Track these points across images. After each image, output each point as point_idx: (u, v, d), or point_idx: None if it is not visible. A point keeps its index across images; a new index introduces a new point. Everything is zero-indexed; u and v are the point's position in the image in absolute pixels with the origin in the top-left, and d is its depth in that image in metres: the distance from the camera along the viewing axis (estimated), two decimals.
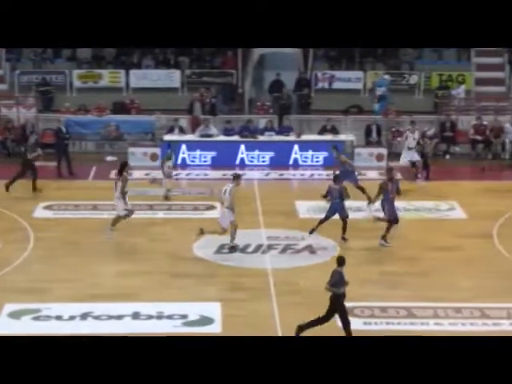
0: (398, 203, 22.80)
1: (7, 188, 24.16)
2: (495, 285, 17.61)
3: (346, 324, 14.66)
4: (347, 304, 16.42)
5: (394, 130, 29.10)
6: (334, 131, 28.60)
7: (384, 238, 19.80)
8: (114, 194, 20.41)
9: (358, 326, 15.70)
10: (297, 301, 16.77)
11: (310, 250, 19.72)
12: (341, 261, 14.93)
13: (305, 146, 27.80)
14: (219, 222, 19.56)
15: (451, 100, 30.41)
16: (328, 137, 28.30)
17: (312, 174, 26.67)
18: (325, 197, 20.71)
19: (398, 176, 23.49)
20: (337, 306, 14.65)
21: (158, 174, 24.42)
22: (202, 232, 19.53)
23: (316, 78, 31.72)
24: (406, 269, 18.53)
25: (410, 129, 26.04)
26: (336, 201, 20.17)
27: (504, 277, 18.06)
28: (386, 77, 30.92)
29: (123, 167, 20.57)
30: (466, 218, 21.88)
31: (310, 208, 22.74)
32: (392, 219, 19.80)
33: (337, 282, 14.65)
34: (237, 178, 19.80)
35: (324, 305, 16.41)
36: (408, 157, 25.62)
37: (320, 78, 31.73)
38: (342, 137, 28.30)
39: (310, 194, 23.98)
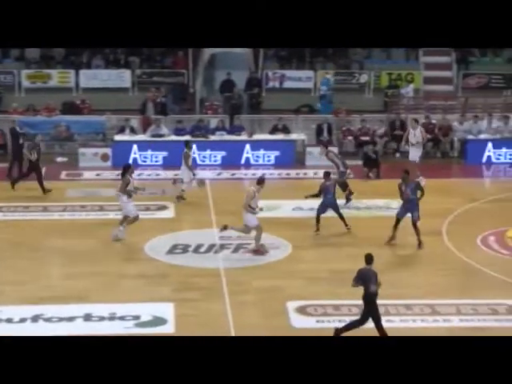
0: (380, 202, 23.02)
1: (13, 186, 24.14)
2: (445, 282, 17.81)
3: (379, 323, 14.59)
4: (299, 302, 16.57)
5: (344, 129, 29.30)
6: (286, 130, 28.70)
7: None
8: (119, 199, 20.39)
9: (310, 324, 15.79)
10: (249, 300, 16.79)
11: (263, 249, 19.75)
12: (369, 259, 14.90)
13: (256, 145, 27.87)
14: (246, 223, 19.35)
15: (400, 99, 30.71)
16: (279, 136, 28.40)
17: (264, 174, 26.68)
18: (317, 195, 20.81)
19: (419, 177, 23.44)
20: (370, 306, 14.59)
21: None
22: (225, 228, 19.36)
23: (267, 78, 31.82)
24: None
25: (412, 125, 26.18)
26: (328, 196, 20.45)
27: (453, 273, 18.28)
28: (329, 76, 31.12)
29: (126, 170, 20.43)
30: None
31: (263, 207, 22.75)
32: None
33: (368, 281, 14.62)
34: (261, 181, 19.68)
35: (277, 303, 16.53)
36: (415, 153, 25.70)
37: (271, 77, 31.83)
38: (293, 136, 28.41)
39: (261, 193, 24.00)
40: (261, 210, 19.39)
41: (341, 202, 21.89)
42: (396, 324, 15.84)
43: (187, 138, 27.85)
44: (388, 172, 25.51)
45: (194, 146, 27.61)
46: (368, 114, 29.69)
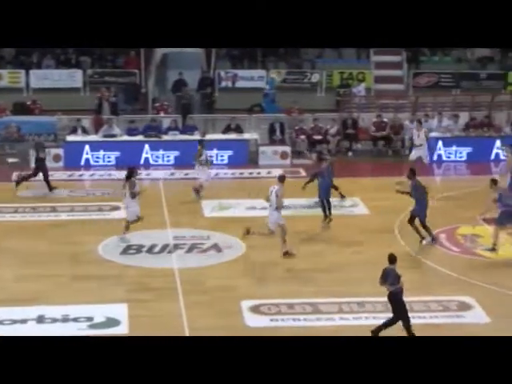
0: (302, 201, 23.14)
1: (17, 184, 24.06)
2: None
3: (407, 322, 14.66)
4: (253, 302, 16.61)
5: (297, 128, 29.40)
6: (239, 130, 28.73)
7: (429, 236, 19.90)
8: (123, 200, 20.24)
9: (264, 323, 15.84)
10: (204, 300, 16.79)
11: (217, 248, 19.77)
12: (392, 258, 15.03)
13: (209, 145, 27.80)
14: (268, 224, 19.18)
15: (352, 98, 30.90)
16: (232, 136, 28.42)
17: (217, 173, 26.73)
18: (312, 180, 20.87)
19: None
20: (396, 304, 14.68)
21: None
22: (248, 232, 19.22)
23: (219, 77, 31.82)
24: (312, 265, 18.74)
25: (416, 126, 26.55)
26: (326, 179, 21.25)
27: (405, 271, 18.38)
28: (274, 76, 31.27)
29: (131, 172, 20.26)
30: (368, 214, 22.27)
31: (216, 207, 22.81)
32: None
33: (393, 280, 14.70)
34: (282, 178, 19.54)
35: (231, 303, 16.55)
36: (417, 154, 25.99)
37: (223, 77, 31.86)
38: (246, 135, 28.45)
39: (215, 192, 24.04)
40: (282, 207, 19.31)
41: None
42: (349, 322, 15.96)
43: (139, 137, 27.73)
44: (341, 171, 25.61)
45: (147, 146, 27.56)
46: (320, 113, 29.83)
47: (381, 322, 15.89)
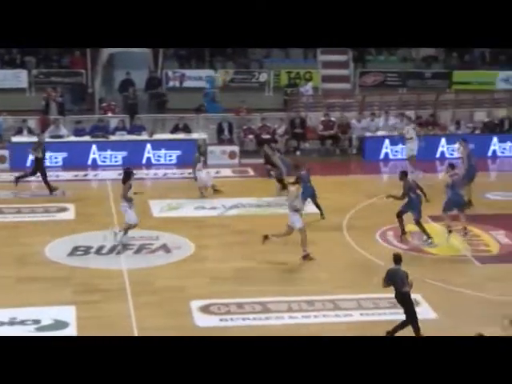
0: (250, 200, 23.20)
1: (16, 182, 24.07)
2: (346, 277, 18.09)
3: (414, 322, 14.67)
4: (203, 302, 16.61)
5: (245, 127, 29.44)
6: (187, 130, 28.67)
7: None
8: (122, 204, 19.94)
9: (214, 322, 15.84)
10: (153, 300, 16.74)
11: (165, 249, 19.71)
12: (397, 259, 15.08)
13: (157, 144, 27.77)
14: (289, 225, 18.99)
15: (300, 97, 31.03)
16: (180, 135, 28.36)
17: (165, 174, 26.65)
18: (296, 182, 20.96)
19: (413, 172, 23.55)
20: (406, 306, 14.75)
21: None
22: (266, 238, 19.06)
23: (167, 77, 31.72)
24: (262, 264, 18.78)
25: (404, 121, 27.49)
26: (308, 184, 21.11)
27: (354, 269, 18.58)
28: (215, 75, 31.30)
29: (128, 175, 19.98)
30: (317, 213, 22.31)
31: (164, 207, 22.75)
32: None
33: (404, 281, 14.76)
34: (298, 180, 19.59)
35: (181, 303, 16.53)
36: (411, 148, 26.67)
37: (171, 76, 31.75)
38: (194, 135, 28.41)
39: (163, 193, 23.97)
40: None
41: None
42: (298, 320, 16.03)
43: (87, 138, 27.52)
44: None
45: (94, 147, 27.36)
46: (268, 113, 29.91)
47: (330, 319, 16.03)
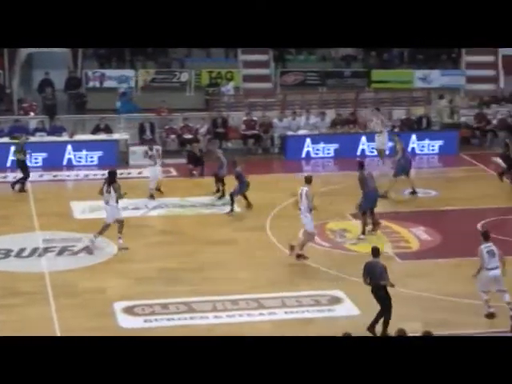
0: (174, 200, 23.15)
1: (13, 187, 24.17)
2: (270, 275, 18.20)
3: (388, 315, 15.01)
4: (126, 303, 16.52)
5: (167, 127, 29.32)
6: (108, 130, 28.43)
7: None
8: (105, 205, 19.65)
9: (138, 324, 15.78)
10: (76, 302, 16.59)
11: (88, 251, 19.53)
12: (376, 251, 15.47)
13: (78, 145, 27.44)
14: (305, 228, 18.84)
15: (221, 97, 31.04)
16: (102, 136, 28.10)
17: (87, 175, 26.39)
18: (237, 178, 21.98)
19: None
20: (385, 298, 15.01)
21: None
22: (292, 248, 18.81)
23: (87, 77, 31.39)
24: (185, 264, 18.77)
25: (374, 114, 27.77)
26: (244, 180, 22.06)
27: (277, 267, 18.69)
28: (130, 74, 31.17)
29: (114, 175, 19.66)
30: (240, 212, 22.42)
31: (86, 208, 22.53)
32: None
33: (383, 274, 15.04)
34: (309, 179, 19.28)
35: (104, 305, 16.42)
36: (382, 141, 26.94)
37: (91, 76, 31.42)
38: (115, 136, 28.19)
39: (85, 194, 23.75)
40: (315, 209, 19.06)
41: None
42: (223, 320, 16.07)
43: (5, 139, 27.10)
44: (212, 169, 25.73)
45: (13, 148, 26.87)
46: (190, 113, 29.84)
47: (255, 318, 16.11)
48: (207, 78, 31.98)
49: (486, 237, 16.04)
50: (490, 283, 15.85)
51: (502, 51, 33.62)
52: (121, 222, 19.58)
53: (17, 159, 24.71)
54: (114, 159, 27.34)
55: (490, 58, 34.12)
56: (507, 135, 29.40)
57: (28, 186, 24.65)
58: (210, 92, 31.44)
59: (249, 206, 22.35)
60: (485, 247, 15.79)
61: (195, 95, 31.83)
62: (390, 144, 26.72)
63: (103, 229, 19.50)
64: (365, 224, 20.16)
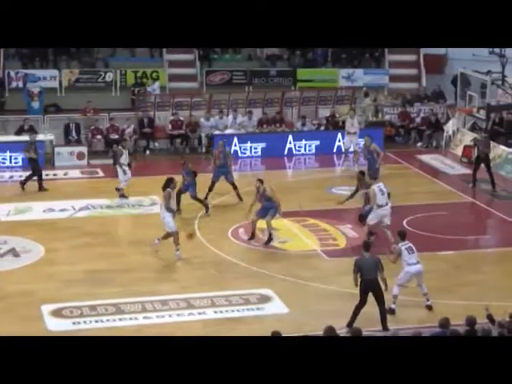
0: (101, 201, 22.96)
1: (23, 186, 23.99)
2: (199, 275, 18.21)
3: (382, 306, 15.47)
4: (54, 305, 16.36)
5: (93, 128, 29.06)
6: (32, 131, 28.03)
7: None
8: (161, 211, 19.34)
9: (67, 326, 15.64)
10: (2, 306, 16.38)
11: (14, 253, 19.26)
12: (368, 246, 15.84)
13: (2, 147, 26.98)
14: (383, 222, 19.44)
15: (147, 96, 30.90)
16: (26, 137, 27.65)
17: (11, 176, 25.99)
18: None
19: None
20: (376, 289, 15.40)
21: None
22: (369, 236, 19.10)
23: (9, 78, 30.91)
24: (113, 266, 18.65)
25: (350, 114, 27.82)
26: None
27: (207, 267, 18.71)
28: (54, 74, 30.85)
29: (169, 182, 19.12)
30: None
31: (11, 211, 22.20)
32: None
33: (367, 269, 15.42)
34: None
35: (31, 308, 16.22)
36: (350, 140, 27.19)
37: (13, 77, 30.95)
38: (40, 136, 27.80)
39: (10, 196, 23.42)
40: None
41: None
42: (153, 320, 16.03)
43: None
44: (139, 170, 25.62)
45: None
46: (116, 113, 29.62)
47: (185, 318, 16.10)
48: (132, 78, 31.79)
49: (402, 236, 16.69)
50: (411, 278, 16.53)
51: (424, 50, 34.27)
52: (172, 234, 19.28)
53: (28, 158, 24.62)
54: (39, 160, 26.96)
55: (412, 57, 34.74)
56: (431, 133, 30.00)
57: None
58: (136, 92, 31.27)
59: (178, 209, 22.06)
60: (402, 245, 16.46)
61: (121, 95, 31.62)
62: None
63: (168, 237, 19.28)
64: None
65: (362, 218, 20.46)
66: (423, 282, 16.52)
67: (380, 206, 19.40)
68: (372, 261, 15.68)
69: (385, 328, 15.44)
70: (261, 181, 20.41)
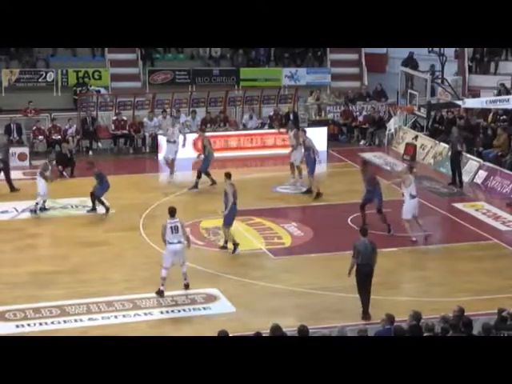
0: (47, 202, 22.73)
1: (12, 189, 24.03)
2: (145, 275, 18.11)
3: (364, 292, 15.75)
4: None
5: (34, 128, 28.75)
6: None
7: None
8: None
9: (10, 330, 15.45)
10: None
11: None
12: (365, 231, 16.06)
13: None
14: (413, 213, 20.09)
15: (90, 96, 30.66)
16: None
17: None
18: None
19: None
20: (368, 274, 15.70)
21: None
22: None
23: None
24: (57, 267, 18.48)
25: (171, 121, 27.23)
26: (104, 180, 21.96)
27: (152, 267, 18.58)
28: None
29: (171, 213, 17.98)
30: (111, 213, 22.17)
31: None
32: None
33: (364, 254, 15.64)
34: (411, 168, 20.99)
35: None
36: (169, 149, 25.78)
37: None
38: None
39: None
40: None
41: None
42: (98, 322, 15.92)
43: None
44: (82, 170, 25.39)
45: None
46: (58, 113, 29.35)
47: (131, 319, 16.03)
48: (74, 78, 31.51)
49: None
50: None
51: (365, 49, 34.59)
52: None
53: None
54: None
55: (353, 56, 35.07)
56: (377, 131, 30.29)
57: None
58: (78, 92, 31.00)
59: (107, 209, 21.94)
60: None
61: (62, 95, 31.34)
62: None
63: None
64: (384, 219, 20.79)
65: (363, 206, 20.92)
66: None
67: (413, 197, 20.12)
68: (370, 246, 15.83)
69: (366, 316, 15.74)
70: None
